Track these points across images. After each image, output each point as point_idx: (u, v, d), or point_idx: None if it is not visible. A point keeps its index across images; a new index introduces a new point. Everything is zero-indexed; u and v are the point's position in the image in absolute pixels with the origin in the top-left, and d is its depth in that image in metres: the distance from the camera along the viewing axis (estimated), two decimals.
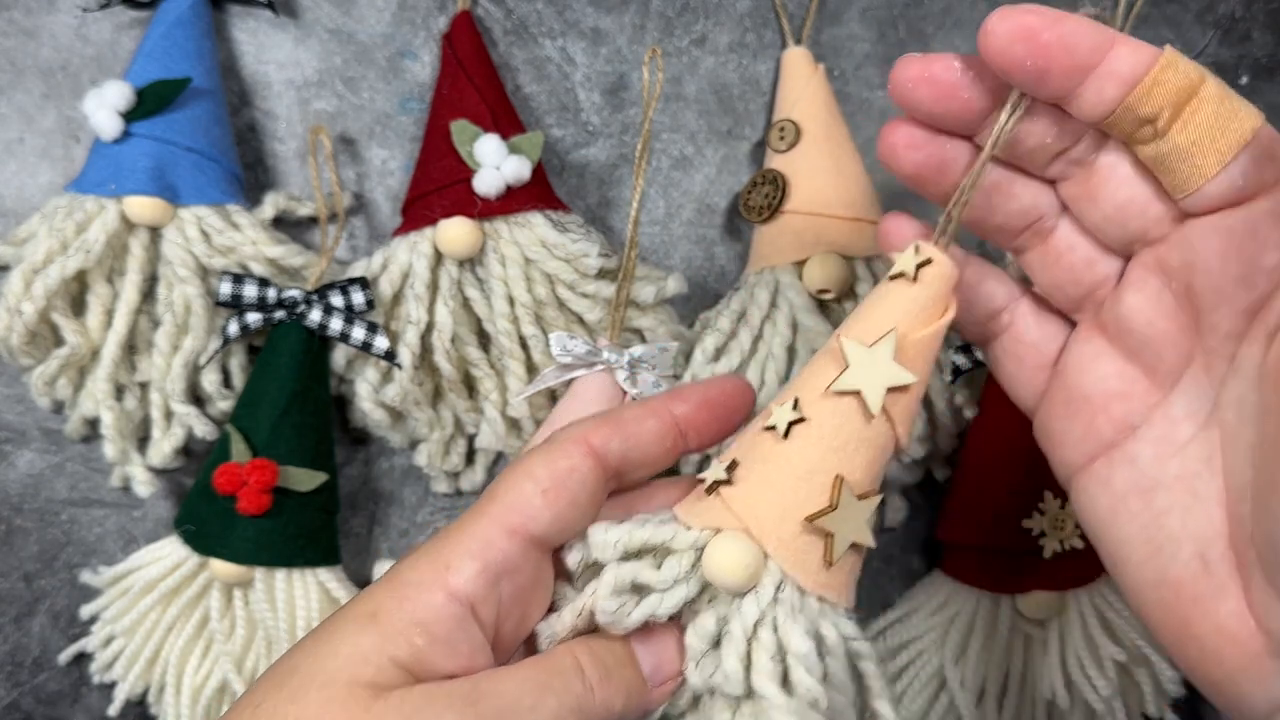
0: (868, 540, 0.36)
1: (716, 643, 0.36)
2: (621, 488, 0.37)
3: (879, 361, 0.36)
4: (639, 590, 0.35)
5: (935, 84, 0.33)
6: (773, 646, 0.35)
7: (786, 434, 0.37)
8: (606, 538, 0.35)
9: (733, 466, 0.37)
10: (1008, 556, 0.54)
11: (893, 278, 0.37)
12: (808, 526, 0.36)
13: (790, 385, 0.38)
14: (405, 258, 0.53)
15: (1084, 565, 0.54)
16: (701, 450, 0.38)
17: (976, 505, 0.55)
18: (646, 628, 0.36)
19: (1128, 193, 0.32)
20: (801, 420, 0.37)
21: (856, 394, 0.36)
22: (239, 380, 0.55)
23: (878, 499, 0.37)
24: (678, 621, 0.36)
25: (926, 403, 0.56)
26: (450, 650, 0.30)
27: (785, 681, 0.35)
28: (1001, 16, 0.30)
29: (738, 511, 0.36)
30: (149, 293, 0.54)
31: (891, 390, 0.36)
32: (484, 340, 0.55)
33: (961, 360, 0.55)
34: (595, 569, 0.36)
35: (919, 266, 0.36)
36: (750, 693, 0.35)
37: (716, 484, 0.36)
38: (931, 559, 0.60)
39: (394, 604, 0.30)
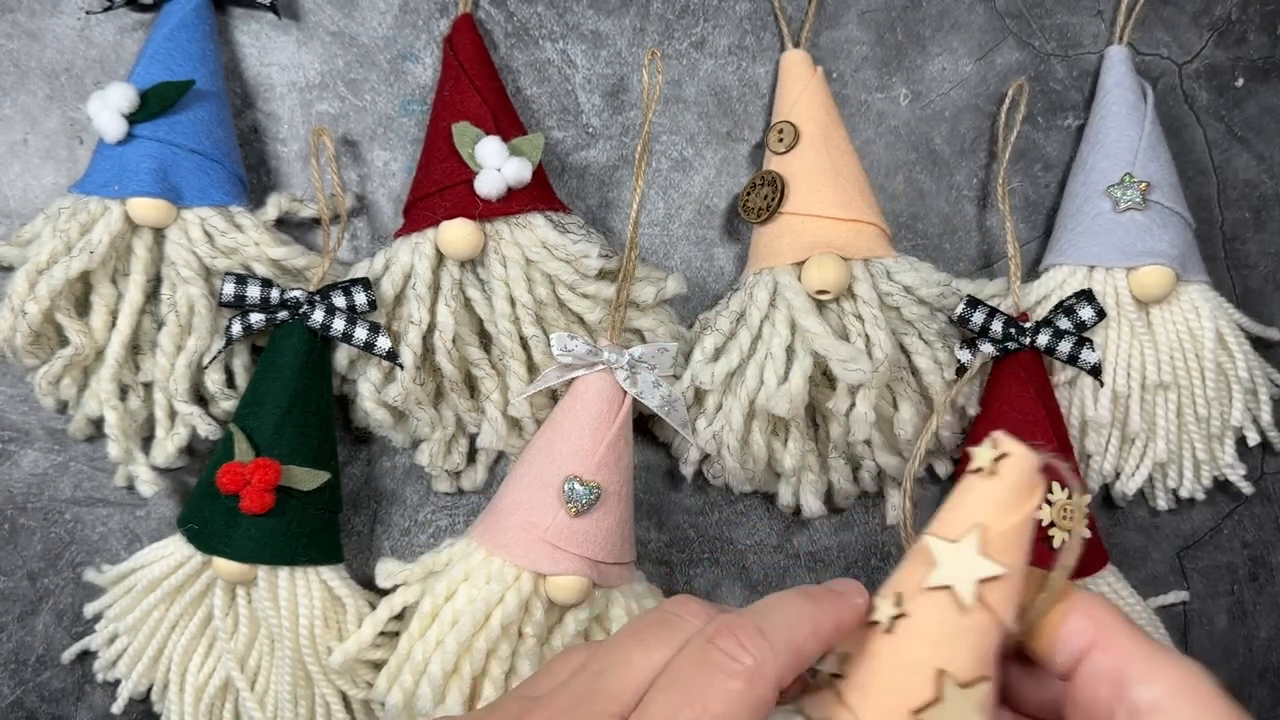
0: None
1: None
2: None
3: (965, 557, 0.39)
4: None
5: None
6: None
7: (890, 629, 0.39)
8: None
9: (845, 659, 0.39)
10: None
11: (972, 472, 0.40)
12: (911, 718, 0.38)
13: (892, 578, 0.41)
14: (407, 259, 0.53)
15: (1091, 555, 0.55)
16: None
17: None
18: None
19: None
20: (902, 615, 0.39)
21: (948, 589, 0.38)
22: (242, 380, 0.55)
23: (986, 685, 0.38)
24: None
25: (928, 399, 0.57)
26: None
27: None
28: None
29: (851, 705, 0.39)
30: (152, 293, 0.54)
31: (984, 581, 0.38)
32: (485, 340, 0.56)
33: (966, 357, 0.56)
34: None
35: (995, 460, 0.39)
36: None
37: (832, 676, 0.39)
38: None
39: None
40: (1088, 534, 0.51)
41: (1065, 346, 0.55)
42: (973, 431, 0.58)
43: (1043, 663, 0.38)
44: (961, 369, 0.56)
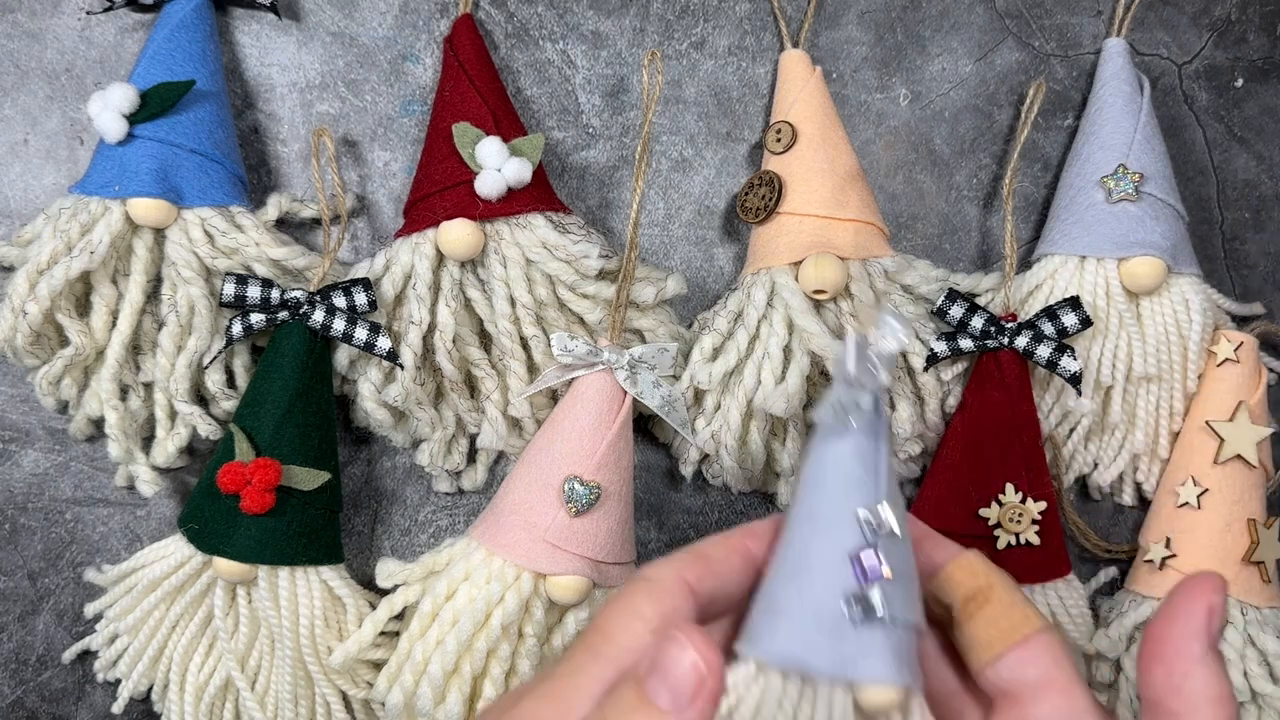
0: None
1: None
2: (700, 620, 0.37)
3: (1243, 428, 0.54)
4: None
5: None
6: (1257, 656, 0.52)
7: (1198, 505, 0.54)
8: (1111, 634, 0.54)
9: (1168, 544, 0.55)
10: (961, 542, 0.54)
11: (1220, 365, 0.55)
12: (1243, 564, 0.53)
13: (1172, 469, 0.56)
14: (407, 259, 0.53)
15: (1039, 562, 0.54)
16: None
17: (943, 489, 0.55)
18: None
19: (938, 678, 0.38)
20: (1205, 491, 0.54)
21: (1238, 457, 0.54)
22: (242, 380, 0.56)
23: (1277, 521, 0.54)
24: None
25: (919, 400, 0.56)
26: None
27: (1274, 679, 0.52)
28: None
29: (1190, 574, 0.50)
30: (153, 293, 0.54)
31: (1259, 442, 0.54)
32: (485, 340, 0.56)
33: (941, 348, 0.55)
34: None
35: (1236, 349, 0.55)
36: (1253, 696, 0.52)
37: (1164, 560, 0.54)
38: None
39: None
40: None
41: (1044, 351, 0.54)
42: (949, 427, 0.57)
43: (966, 651, 0.37)
44: (933, 357, 0.55)
